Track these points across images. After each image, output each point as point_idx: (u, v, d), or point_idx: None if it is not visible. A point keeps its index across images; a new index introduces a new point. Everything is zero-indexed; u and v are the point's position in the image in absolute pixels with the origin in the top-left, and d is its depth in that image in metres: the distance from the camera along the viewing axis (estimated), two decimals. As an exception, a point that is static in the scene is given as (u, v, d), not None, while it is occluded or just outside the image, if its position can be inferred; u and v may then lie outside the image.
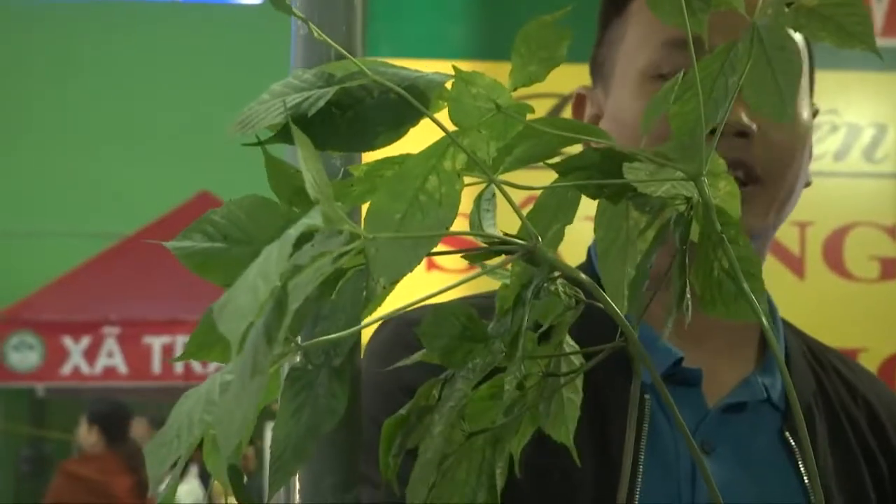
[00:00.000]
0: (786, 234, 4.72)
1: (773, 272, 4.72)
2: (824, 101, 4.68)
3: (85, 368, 16.51)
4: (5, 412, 17.50)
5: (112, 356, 16.51)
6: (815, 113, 2.41)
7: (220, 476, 1.02)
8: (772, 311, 2.38)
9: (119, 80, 19.25)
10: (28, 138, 19.24)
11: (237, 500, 1.08)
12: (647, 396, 2.19)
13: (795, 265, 4.74)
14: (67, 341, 16.67)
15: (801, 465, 2.21)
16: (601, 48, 2.29)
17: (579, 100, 2.36)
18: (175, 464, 1.04)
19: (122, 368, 16.39)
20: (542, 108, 4.21)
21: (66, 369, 16.55)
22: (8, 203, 18.70)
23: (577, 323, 1.20)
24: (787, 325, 2.44)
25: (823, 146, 4.76)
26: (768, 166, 2.19)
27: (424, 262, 1.25)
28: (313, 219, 0.98)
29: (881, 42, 4.73)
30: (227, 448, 0.95)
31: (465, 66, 1.23)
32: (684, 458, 2.17)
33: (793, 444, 2.21)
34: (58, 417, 16.98)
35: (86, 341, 16.63)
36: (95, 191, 18.19)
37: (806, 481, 2.21)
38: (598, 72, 2.31)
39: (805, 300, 4.71)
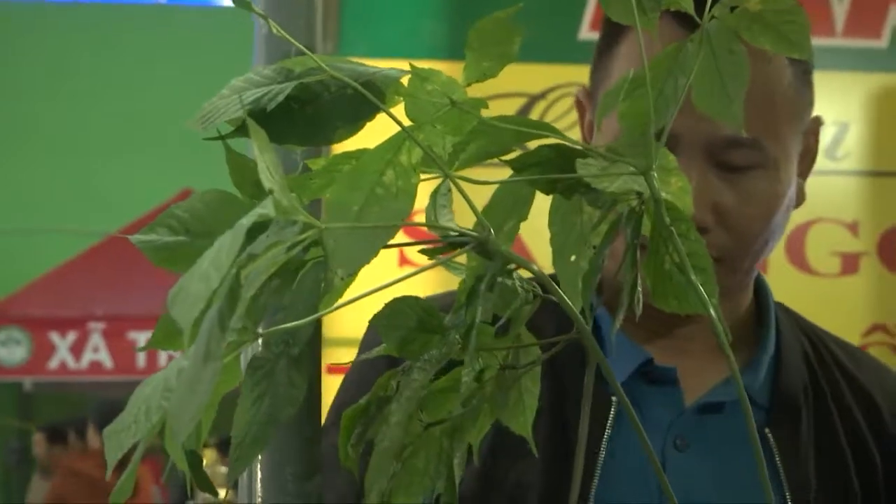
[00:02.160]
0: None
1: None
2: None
3: (71, 363, 16.54)
4: (31, 406, 17.53)
5: (98, 351, 16.55)
6: (814, 140, 2.35)
7: (179, 461, 1.02)
8: (765, 304, 2.41)
9: (105, 84, 19.25)
10: (16, 140, 19.23)
11: (197, 485, 1.09)
12: (613, 398, 2.19)
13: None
14: (54, 336, 16.71)
15: (778, 463, 2.22)
16: (594, 75, 2.29)
17: (578, 104, 2.37)
18: (134, 448, 1.03)
19: (108, 363, 16.42)
20: (511, 108, 4.22)
21: (53, 364, 16.58)
22: (5, 206, 18.72)
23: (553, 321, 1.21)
24: (789, 316, 2.45)
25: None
26: (727, 251, 2.18)
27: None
28: (266, 208, 0.98)
29: (841, 42, 4.76)
30: (179, 433, 0.94)
31: (440, 65, 1.22)
32: (658, 455, 2.16)
33: (771, 441, 2.22)
34: (45, 411, 16.96)
35: (72, 337, 16.66)
36: (81, 190, 18.21)
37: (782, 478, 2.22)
38: (590, 99, 2.32)
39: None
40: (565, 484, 1.70)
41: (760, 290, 2.46)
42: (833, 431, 2.30)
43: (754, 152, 2.15)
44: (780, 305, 2.47)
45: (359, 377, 2.01)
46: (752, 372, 2.28)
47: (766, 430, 2.21)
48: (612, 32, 2.21)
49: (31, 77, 19.77)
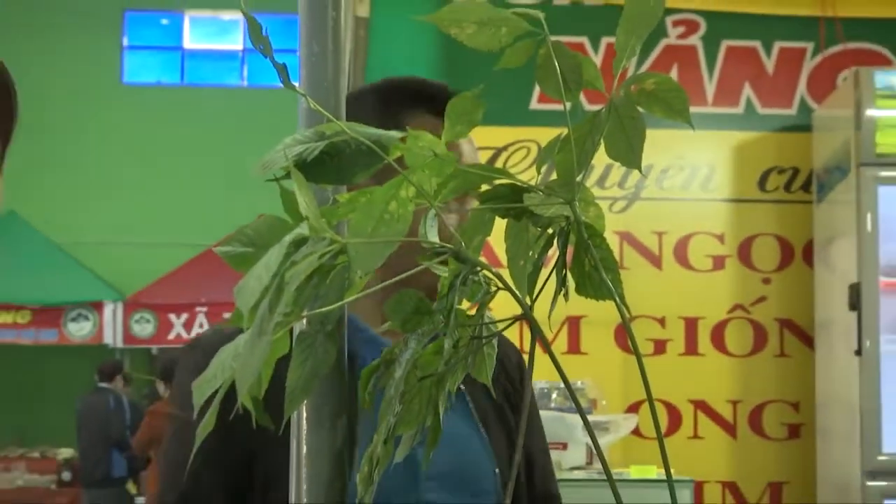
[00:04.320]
0: (648, 239, 4.74)
1: (639, 266, 4.72)
2: (676, 151, 4.70)
3: (184, 335, 16.53)
4: (132, 365, 17.43)
5: (202, 327, 16.55)
6: None
7: (245, 402, 1.02)
8: None
9: (207, 144, 19.21)
10: (151, 183, 19.21)
11: (256, 419, 1.08)
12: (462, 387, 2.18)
13: (655, 261, 4.74)
14: (172, 317, 16.73)
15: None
16: None
17: None
18: (214, 395, 1.03)
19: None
20: (483, 158, 4.21)
21: (171, 336, 16.59)
22: (134, 225, 18.67)
23: None
24: None
25: (674, 180, 4.76)
26: None
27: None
28: (303, 229, 1.02)
29: (711, 109, 4.75)
30: (244, 384, 0.97)
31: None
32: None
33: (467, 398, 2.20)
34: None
35: (184, 317, 16.69)
36: (192, 217, 18.16)
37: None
38: None
39: (661, 285, 4.71)
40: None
41: None
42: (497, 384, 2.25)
43: None
44: None
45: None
46: None
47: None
48: None
49: (164, 139, 19.73)
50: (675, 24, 4.78)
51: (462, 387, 2.18)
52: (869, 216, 4.33)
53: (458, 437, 2.16)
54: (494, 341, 1.23)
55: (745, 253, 4.78)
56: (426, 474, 2.13)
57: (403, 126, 1.82)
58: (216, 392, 1.05)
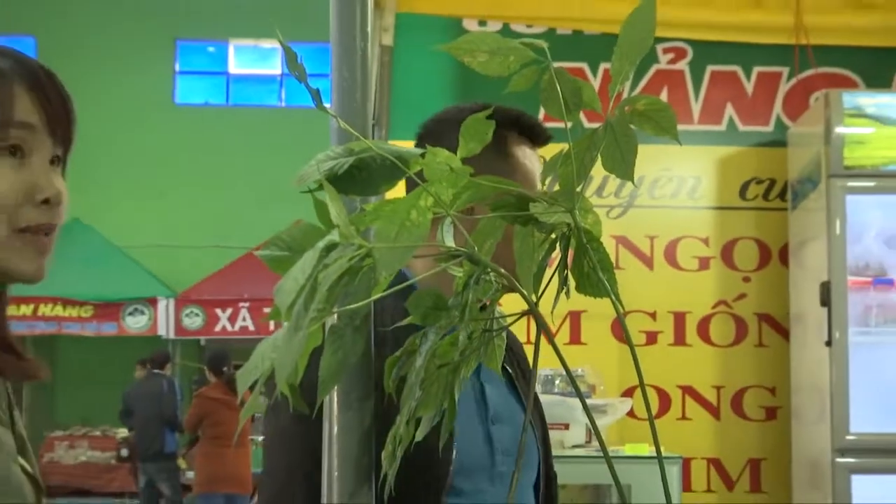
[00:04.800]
0: (641, 243, 4.73)
1: (633, 266, 4.72)
2: (665, 164, 4.69)
3: (228, 328, 16.56)
4: (182, 354, 17.47)
5: (245, 320, 16.60)
6: None
7: (283, 389, 1.02)
8: None
9: (252, 159, 19.26)
10: (202, 193, 19.25)
11: (293, 404, 1.09)
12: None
13: (647, 262, 4.73)
14: (218, 311, 16.74)
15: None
16: None
17: None
18: (255, 383, 1.03)
19: (251, 327, 16.42)
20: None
21: (217, 328, 16.61)
22: (184, 230, 18.70)
23: None
24: None
25: (663, 190, 4.75)
26: None
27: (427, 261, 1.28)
28: (334, 236, 1.01)
29: (696, 127, 4.74)
30: (282, 373, 0.96)
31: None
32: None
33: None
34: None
35: (229, 311, 16.71)
36: (237, 223, 18.19)
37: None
38: None
39: (653, 283, 4.71)
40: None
41: None
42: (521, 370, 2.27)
43: None
44: None
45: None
46: None
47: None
48: None
49: (211, 153, 19.75)
50: (665, 51, 4.77)
51: (509, 369, 2.19)
52: (838, 222, 4.32)
53: (517, 415, 2.16)
54: (504, 333, 1.24)
55: (727, 254, 4.77)
56: (500, 449, 2.13)
57: (507, 147, 1.84)
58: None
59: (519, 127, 2.13)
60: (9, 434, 1.54)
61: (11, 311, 1.67)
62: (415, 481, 1.93)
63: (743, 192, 4.78)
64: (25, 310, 16.01)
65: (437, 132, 2.10)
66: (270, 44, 20.67)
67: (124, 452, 15.45)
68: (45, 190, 1.51)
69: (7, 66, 1.51)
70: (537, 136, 2.17)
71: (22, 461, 1.55)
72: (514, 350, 2.23)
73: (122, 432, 15.48)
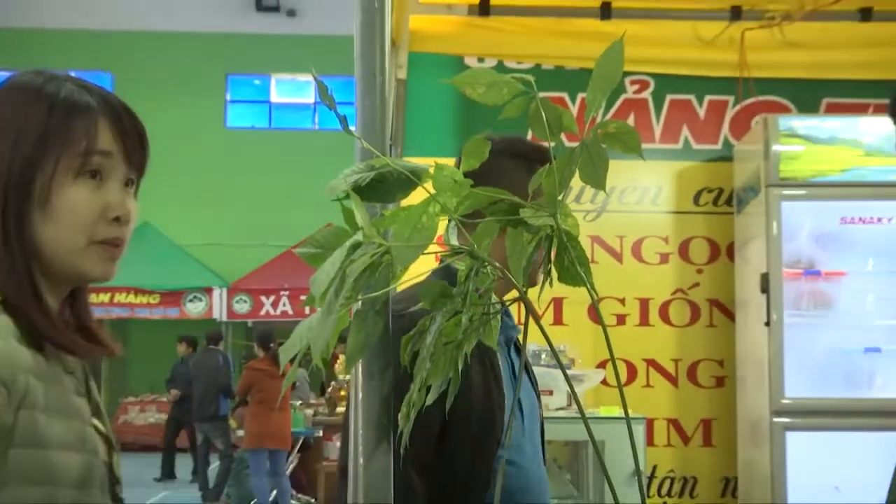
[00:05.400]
0: (612, 241, 4.72)
1: (605, 260, 4.71)
2: (631, 176, 4.69)
3: (272, 312, 16.56)
4: (233, 334, 17.46)
5: (285, 305, 16.60)
6: None
7: (317, 362, 1.02)
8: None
9: (293, 171, 19.25)
10: (249, 201, 19.25)
11: (326, 374, 1.09)
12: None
13: (617, 257, 4.73)
14: (262, 298, 16.77)
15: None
16: None
17: None
18: (294, 357, 1.03)
19: (290, 311, 16.42)
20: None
21: (262, 312, 16.63)
22: (235, 231, 18.70)
23: None
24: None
25: (630, 197, 4.75)
26: None
27: (433, 258, 1.26)
28: (358, 236, 1.00)
29: (658, 146, 4.73)
30: (317, 349, 0.96)
31: (452, 160, 1.23)
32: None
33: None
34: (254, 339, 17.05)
35: (272, 298, 16.74)
36: (276, 225, 18.18)
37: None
38: None
39: (622, 274, 4.70)
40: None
41: None
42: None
43: None
44: None
45: None
46: None
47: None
48: None
49: (256, 168, 19.75)
50: (632, 83, 4.76)
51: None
52: (774, 224, 4.32)
53: (527, 384, 2.21)
54: (498, 317, 1.23)
55: (683, 251, 4.77)
56: (528, 429, 2.18)
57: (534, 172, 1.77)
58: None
59: (546, 159, 2.21)
60: (84, 402, 1.55)
61: (92, 298, 1.68)
62: (481, 439, 1.98)
63: (696, 199, 4.77)
64: (103, 297, 16.07)
65: (492, 161, 2.20)
66: (305, 77, 20.67)
67: (173, 413, 15.30)
68: (116, 209, 1.51)
69: (94, 101, 1.52)
70: (545, 158, 2.23)
71: (96, 422, 1.55)
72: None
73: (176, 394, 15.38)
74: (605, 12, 4.45)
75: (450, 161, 1.32)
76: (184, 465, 14.37)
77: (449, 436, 2.01)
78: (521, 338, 2.30)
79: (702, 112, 4.79)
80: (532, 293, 1.17)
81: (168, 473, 14.65)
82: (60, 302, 1.57)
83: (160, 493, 13.67)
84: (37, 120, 1.49)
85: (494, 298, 1.21)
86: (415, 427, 1.17)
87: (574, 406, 3.99)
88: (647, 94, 4.77)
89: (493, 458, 2.03)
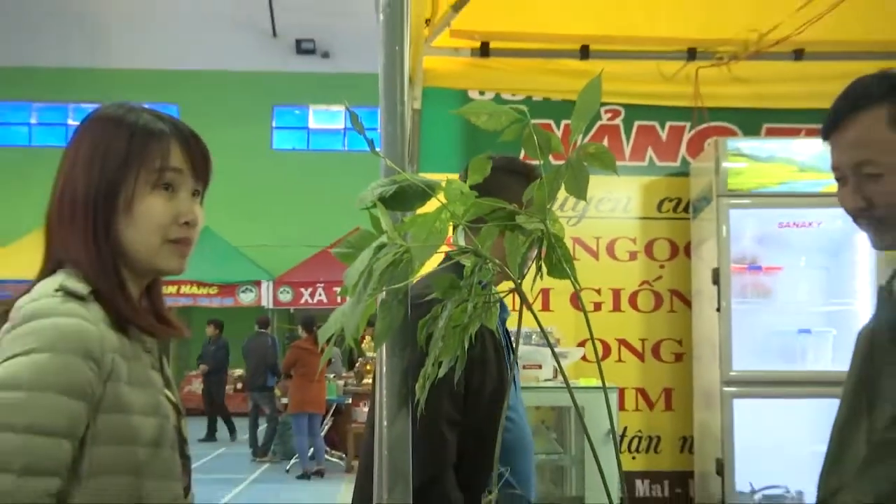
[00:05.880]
0: (591, 242, 4.71)
1: (585, 258, 4.69)
2: (607, 188, 4.67)
3: (310, 301, 16.50)
4: (278, 319, 17.44)
5: (321, 295, 16.52)
6: None
7: (350, 342, 1.02)
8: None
9: (325, 187, 19.21)
10: (291, 208, 19.23)
11: (356, 351, 1.08)
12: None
13: (594, 255, 4.72)
14: (302, 290, 16.69)
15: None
16: None
17: None
18: (331, 338, 1.03)
19: (325, 300, 16.36)
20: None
21: (302, 301, 16.56)
22: (279, 234, 18.68)
23: None
24: None
25: (605, 206, 4.73)
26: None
27: (442, 256, 1.26)
28: (383, 238, 0.99)
29: (628, 163, 4.71)
30: (349, 331, 0.95)
31: (457, 175, 1.23)
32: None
33: None
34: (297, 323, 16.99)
35: (310, 290, 16.65)
36: (313, 229, 18.15)
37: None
38: None
39: (599, 269, 4.69)
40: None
41: None
42: None
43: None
44: None
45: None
46: None
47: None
48: None
49: (297, 182, 19.73)
50: (606, 112, 4.75)
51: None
52: (723, 227, 4.31)
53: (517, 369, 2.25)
54: (498, 304, 1.23)
55: (648, 250, 4.75)
56: (518, 394, 2.25)
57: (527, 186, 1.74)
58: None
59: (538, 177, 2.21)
60: (158, 375, 1.57)
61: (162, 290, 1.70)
62: (493, 401, 2.00)
63: (659, 207, 4.76)
64: (171, 289, 16.04)
65: (494, 178, 2.18)
66: (337, 108, 20.65)
67: (239, 385, 15.41)
68: (186, 215, 1.54)
69: (166, 128, 1.54)
70: (536, 174, 2.22)
71: (167, 392, 1.57)
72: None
73: (238, 372, 15.45)
74: (584, 54, 4.44)
75: (457, 176, 1.32)
76: (224, 428, 14.41)
77: (472, 399, 2.05)
78: (510, 321, 2.31)
79: (663, 135, 4.78)
80: (525, 285, 1.17)
81: (210, 436, 14.66)
82: (140, 292, 1.58)
83: (218, 449, 13.67)
84: (120, 144, 1.51)
85: (494, 289, 1.21)
86: (448, 394, 1.16)
87: (559, 377, 3.99)
88: (618, 121, 4.76)
89: (500, 415, 2.04)
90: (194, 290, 16.60)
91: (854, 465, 1.57)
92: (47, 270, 1.50)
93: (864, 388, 1.62)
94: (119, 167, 1.50)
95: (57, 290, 1.41)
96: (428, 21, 4.08)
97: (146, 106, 1.60)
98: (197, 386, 17.51)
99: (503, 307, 2.14)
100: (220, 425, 14.79)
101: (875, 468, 1.53)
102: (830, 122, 1.68)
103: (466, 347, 1.18)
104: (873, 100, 1.62)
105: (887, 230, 1.65)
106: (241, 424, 14.29)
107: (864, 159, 1.62)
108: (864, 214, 1.65)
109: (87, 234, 1.48)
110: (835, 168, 1.69)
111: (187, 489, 1.59)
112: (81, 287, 1.44)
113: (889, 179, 1.60)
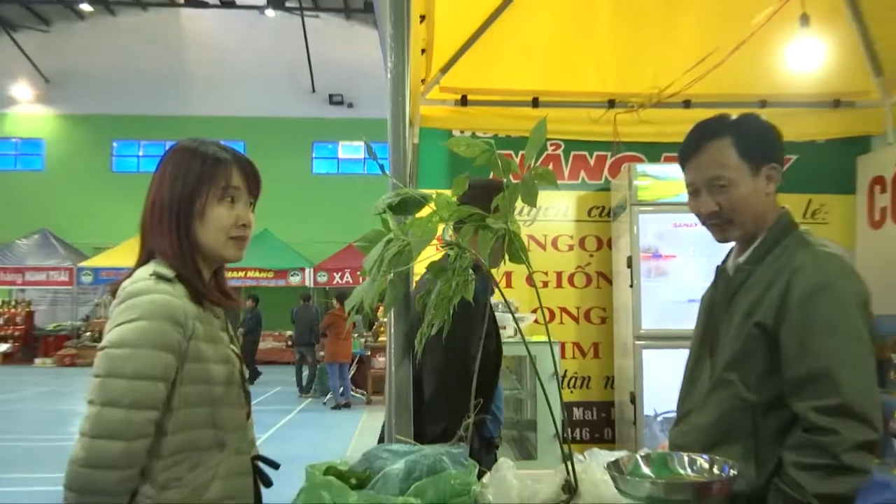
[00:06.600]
0: (541, 238, 4.68)
1: (536, 249, 4.67)
2: (551, 199, 4.65)
3: (340, 281, 16.41)
4: (317, 295, 17.35)
5: (348, 277, 16.42)
6: None
7: (367, 310, 1.00)
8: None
9: (346, 200, 19.05)
10: (325, 215, 19.07)
11: (372, 317, 1.07)
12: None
13: (543, 247, 4.70)
14: (334, 273, 16.59)
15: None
16: None
17: None
18: (354, 307, 1.01)
19: (351, 281, 16.26)
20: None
21: (334, 282, 16.46)
22: (317, 233, 18.55)
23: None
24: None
25: (550, 212, 4.71)
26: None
27: (434, 248, 1.24)
28: (391, 235, 0.97)
29: (567, 182, 4.69)
30: (367, 303, 0.94)
31: (447, 190, 1.21)
32: None
33: None
34: (331, 297, 16.89)
35: (340, 273, 16.55)
36: (342, 229, 18.04)
37: None
38: None
39: (546, 257, 4.67)
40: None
41: None
42: None
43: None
44: None
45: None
46: None
47: None
48: None
49: (329, 197, 19.62)
50: (551, 145, 4.74)
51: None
52: (634, 227, 4.31)
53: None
54: (474, 282, 1.21)
55: (581, 244, 4.74)
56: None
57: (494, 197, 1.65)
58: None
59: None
60: (226, 335, 1.57)
61: (232, 274, 1.70)
62: (492, 366, 1.98)
63: (589, 213, 4.75)
64: (240, 274, 15.98)
65: (471, 192, 2.09)
66: (359, 143, 20.57)
67: (290, 342, 15.35)
68: (243, 219, 1.54)
69: (229, 157, 1.55)
70: (501, 189, 2.18)
71: (232, 347, 1.57)
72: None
73: (288, 332, 15.36)
74: (535, 103, 4.43)
75: (445, 191, 1.31)
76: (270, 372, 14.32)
77: (484, 347, 2.01)
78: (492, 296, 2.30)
79: (592, 161, 4.77)
80: (494, 269, 1.16)
81: (252, 381, 14.62)
82: (210, 275, 1.58)
83: (275, 388, 13.62)
84: (195, 168, 1.52)
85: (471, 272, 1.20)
86: (474, 346, 1.14)
87: (518, 335, 3.98)
88: (559, 152, 4.75)
89: (499, 359, 2.11)
90: (257, 274, 16.55)
91: (701, 394, 1.64)
92: (142, 260, 1.51)
93: (707, 338, 1.66)
94: (195, 185, 1.50)
95: (151, 275, 1.42)
96: (423, 80, 4.08)
97: (221, 142, 1.60)
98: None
99: (486, 287, 2.08)
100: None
101: (713, 396, 1.60)
102: (690, 150, 1.74)
103: (487, 316, 1.16)
104: (721, 133, 1.68)
105: (731, 228, 1.68)
106: (290, 371, 14.24)
107: (716, 175, 1.66)
108: (715, 216, 1.68)
109: (172, 233, 1.49)
110: (689, 183, 1.75)
111: (248, 414, 1.59)
112: (168, 272, 1.45)
113: (733, 190, 1.64)
